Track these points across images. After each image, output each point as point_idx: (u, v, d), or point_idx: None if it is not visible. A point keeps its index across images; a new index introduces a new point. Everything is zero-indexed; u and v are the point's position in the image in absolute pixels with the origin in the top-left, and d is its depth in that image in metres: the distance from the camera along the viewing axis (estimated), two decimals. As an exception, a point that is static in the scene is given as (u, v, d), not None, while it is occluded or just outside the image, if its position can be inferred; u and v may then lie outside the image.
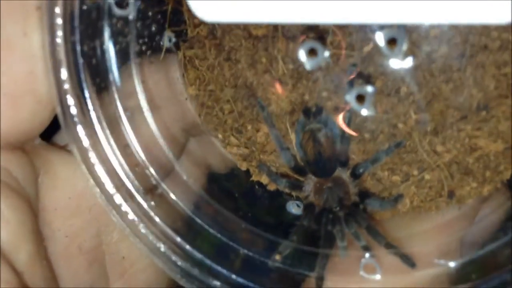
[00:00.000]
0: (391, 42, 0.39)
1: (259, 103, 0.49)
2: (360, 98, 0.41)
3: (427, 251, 0.45)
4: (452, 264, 0.43)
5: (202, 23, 0.50)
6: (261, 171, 0.52)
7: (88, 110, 0.41)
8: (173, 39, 0.51)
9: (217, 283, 0.42)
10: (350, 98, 0.41)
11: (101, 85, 0.43)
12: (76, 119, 0.41)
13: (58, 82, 0.40)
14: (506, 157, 0.46)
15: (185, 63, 0.52)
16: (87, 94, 0.41)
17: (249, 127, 0.52)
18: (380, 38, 0.40)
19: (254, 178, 0.53)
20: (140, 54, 0.48)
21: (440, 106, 0.45)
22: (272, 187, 0.53)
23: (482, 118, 0.45)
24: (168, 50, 0.51)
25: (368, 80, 0.44)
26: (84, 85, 0.41)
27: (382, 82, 0.45)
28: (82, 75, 0.41)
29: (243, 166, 0.53)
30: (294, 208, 0.50)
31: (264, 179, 0.53)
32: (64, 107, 0.41)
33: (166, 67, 0.52)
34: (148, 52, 0.48)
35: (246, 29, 0.49)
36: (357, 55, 0.46)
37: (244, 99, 0.50)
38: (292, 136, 0.50)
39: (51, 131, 0.50)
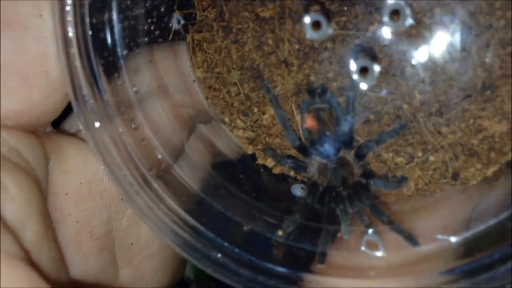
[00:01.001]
0: (395, 15, 0.40)
1: (266, 84, 0.50)
2: (364, 71, 0.41)
3: (430, 227, 0.45)
4: (454, 239, 0.43)
5: (210, 5, 0.51)
6: (266, 154, 0.52)
7: (98, 87, 0.42)
8: (182, 22, 0.51)
9: (223, 257, 0.42)
10: (354, 70, 0.41)
11: (109, 60, 0.44)
12: (87, 97, 0.41)
13: (69, 59, 0.40)
14: (511, 138, 0.45)
15: (193, 46, 0.53)
16: (96, 71, 0.42)
17: (256, 110, 0.52)
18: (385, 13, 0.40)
19: (260, 161, 0.53)
20: (149, 33, 0.48)
21: (444, 85, 0.45)
22: (277, 170, 0.53)
23: (486, 98, 0.45)
24: (177, 33, 0.52)
25: (373, 59, 0.44)
26: (94, 61, 0.41)
27: (387, 62, 0.46)
28: (91, 50, 0.41)
29: (249, 150, 0.53)
30: (299, 191, 0.50)
31: (270, 163, 0.53)
32: (75, 83, 0.41)
33: (175, 49, 0.52)
34: (157, 32, 0.49)
35: (253, 11, 0.49)
36: (362, 35, 0.46)
37: (250, 81, 0.51)
38: (298, 117, 0.50)
39: (60, 120, 0.51)
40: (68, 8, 0.39)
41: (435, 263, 0.44)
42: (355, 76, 0.42)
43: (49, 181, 0.47)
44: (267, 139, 0.53)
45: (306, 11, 0.44)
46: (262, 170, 0.53)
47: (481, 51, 0.44)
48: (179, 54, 0.53)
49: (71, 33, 0.40)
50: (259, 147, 0.53)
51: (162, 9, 0.49)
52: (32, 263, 0.41)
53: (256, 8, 0.49)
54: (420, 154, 0.48)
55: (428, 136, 0.47)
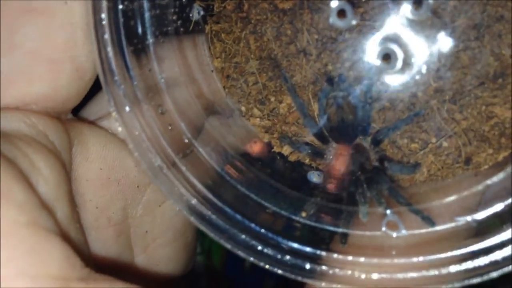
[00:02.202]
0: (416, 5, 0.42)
1: (283, 74, 0.51)
2: (387, 58, 0.43)
3: (442, 209, 0.47)
4: (470, 219, 0.45)
5: (229, -3, 0.53)
6: (283, 142, 0.54)
7: (129, 73, 0.43)
8: (202, 12, 0.53)
9: (246, 237, 0.44)
10: (376, 58, 0.43)
11: (139, 47, 0.45)
12: (118, 82, 0.43)
13: (101, 44, 0.41)
14: (521, 124, 0.48)
15: (211, 37, 0.54)
16: (127, 58, 0.43)
17: (272, 99, 0.54)
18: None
19: (276, 149, 0.55)
20: (172, 23, 0.50)
21: (458, 73, 0.47)
22: (293, 157, 0.55)
23: (498, 85, 0.47)
24: (196, 23, 0.53)
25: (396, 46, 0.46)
26: (125, 48, 0.43)
27: (404, 51, 0.48)
28: (122, 36, 0.43)
29: (265, 138, 0.55)
30: (315, 177, 0.52)
31: (286, 150, 0.55)
32: (107, 68, 0.42)
33: (195, 39, 0.54)
34: (179, 22, 0.51)
35: (272, 2, 0.51)
36: (379, 25, 0.48)
37: (269, 71, 0.53)
38: (315, 106, 0.52)
39: (78, 108, 0.52)
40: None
41: (448, 243, 0.46)
42: (378, 63, 0.44)
43: (72, 167, 0.48)
44: (283, 127, 0.54)
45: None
46: (278, 157, 0.55)
47: (493, 41, 0.47)
48: (198, 45, 0.54)
49: (104, 20, 0.41)
50: (275, 135, 0.55)
51: (184, 0, 0.51)
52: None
53: (275, 0, 0.51)
54: (434, 140, 0.50)
55: (442, 122, 0.49)
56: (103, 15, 0.41)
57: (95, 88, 0.49)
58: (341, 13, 0.44)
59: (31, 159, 0.41)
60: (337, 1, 0.44)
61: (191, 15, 0.52)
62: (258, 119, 0.54)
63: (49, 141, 0.44)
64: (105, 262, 0.52)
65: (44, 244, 0.37)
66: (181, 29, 0.51)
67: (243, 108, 0.55)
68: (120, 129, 0.45)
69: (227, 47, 0.54)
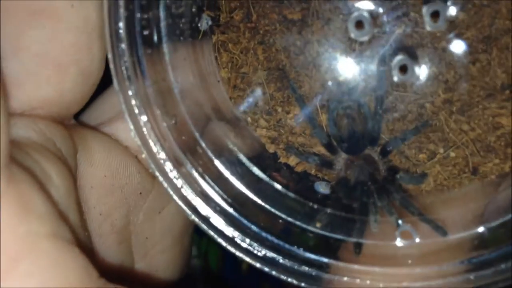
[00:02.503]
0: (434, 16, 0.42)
1: (291, 84, 0.51)
2: (402, 69, 0.44)
3: (449, 219, 0.48)
4: (482, 229, 0.46)
5: (237, 8, 0.53)
6: (289, 153, 0.54)
7: (144, 77, 0.43)
8: (210, 22, 0.53)
9: (251, 241, 0.44)
10: (393, 68, 0.44)
11: (153, 55, 0.45)
12: (131, 86, 0.42)
13: (114, 38, 0.41)
14: (527, 135, 0.49)
15: (218, 47, 0.54)
16: (143, 63, 0.43)
17: (279, 109, 0.54)
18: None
19: (282, 160, 0.55)
20: (183, 32, 0.50)
21: (467, 85, 0.48)
22: (299, 168, 0.55)
23: (506, 96, 0.48)
24: (205, 33, 0.53)
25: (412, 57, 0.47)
26: (141, 54, 0.42)
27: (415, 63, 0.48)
28: (139, 44, 0.42)
29: (271, 149, 0.55)
30: (322, 188, 0.52)
31: (292, 161, 0.55)
32: (120, 72, 0.42)
33: (203, 49, 0.54)
34: (189, 32, 0.50)
35: (281, 13, 0.51)
36: (388, 37, 0.49)
37: (277, 81, 0.53)
38: (323, 117, 0.52)
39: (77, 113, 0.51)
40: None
41: (455, 253, 0.47)
42: (392, 74, 0.45)
43: (77, 174, 0.47)
44: (289, 138, 0.54)
45: (349, 11, 0.46)
46: (284, 168, 0.55)
47: (501, 53, 0.48)
48: (206, 54, 0.54)
49: (121, 29, 0.41)
50: (281, 146, 0.55)
51: (194, 9, 0.50)
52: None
53: (284, 10, 0.51)
54: (441, 150, 0.50)
55: (450, 133, 0.50)
56: (121, 24, 0.41)
57: (94, 94, 0.49)
58: (359, 24, 0.44)
59: (43, 167, 0.40)
60: (356, 12, 0.44)
61: (199, 25, 0.52)
62: (264, 129, 0.54)
63: (57, 148, 0.44)
64: (108, 269, 0.51)
65: (65, 256, 0.36)
66: (190, 39, 0.51)
67: (249, 119, 0.55)
68: (124, 135, 0.45)
69: (234, 57, 0.54)
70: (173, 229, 0.57)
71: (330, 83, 0.51)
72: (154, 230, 0.56)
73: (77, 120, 0.53)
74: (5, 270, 0.34)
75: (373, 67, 0.49)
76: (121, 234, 0.52)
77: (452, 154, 0.50)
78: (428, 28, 0.45)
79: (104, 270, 0.49)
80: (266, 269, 0.43)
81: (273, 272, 0.43)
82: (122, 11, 0.41)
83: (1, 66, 0.41)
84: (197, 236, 0.58)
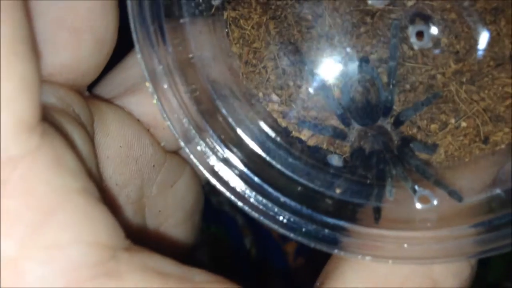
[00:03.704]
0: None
1: (303, 59, 0.52)
2: (419, 35, 0.45)
3: (469, 185, 0.49)
4: (499, 191, 0.47)
5: (248, -17, 0.54)
6: (302, 127, 0.55)
7: (166, 45, 0.43)
8: (221, -2, 0.53)
9: (272, 206, 0.44)
10: (411, 34, 0.45)
11: (174, 25, 0.45)
12: (154, 54, 0.43)
13: (137, 6, 0.41)
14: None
15: (229, 23, 0.55)
16: (165, 31, 0.43)
17: (291, 84, 0.54)
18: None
19: (294, 134, 0.56)
20: (197, 6, 0.50)
21: (477, 56, 0.50)
22: (312, 142, 0.56)
23: (515, 66, 0.50)
24: (217, 8, 0.53)
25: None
26: (161, 17, 0.43)
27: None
28: (160, 9, 0.43)
29: (283, 123, 0.55)
30: (335, 161, 0.53)
31: (304, 135, 0.56)
32: (142, 39, 0.42)
33: (215, 24, 0.54)
34: (203, 6, 0.51)
35: (293, -13, 0.52)
36: (399, 9, 0.50)
37: (289, 56, 0.53)
38: (335, 90, 0.53)
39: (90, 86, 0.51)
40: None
41: (465, 217, 0.48)
42: (413, 40, 0.46)
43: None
44: (301, 112, 0.55)
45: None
46: (297, 142, 0.55)
47: (509, 24, 0.49)
48: (217, 30, 0.55)
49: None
50: (293, 120, 0.56)
51: (206, -16, 0.51)
52: None
53: (296, -14, 0.52)
54: (453, 120, 0.51)
55: (460, 103, 0.51)
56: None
57: (105, 68, 0.50)
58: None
59: (67, 130, 0.40)
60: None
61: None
62: (276, 104, 0.55)
63: (76, 114, 0.44)
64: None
65: (96, 212, 0.36)
66: (204, 13, 0.51)
67: (260, 94, 0.55)
68: (136, 108, 0.45)
69: (246, 33, 0.54)
70: (184, 204, 0.58)
71: (342, 55, 0.52)
72: (167, 203, 0.56)
73: (90, 93, 0.53)
74: (40, 222, 0.34)
75: (385, 38, 0.50)
76: (136, 206, 0.53)
77: (463, 124, 0.51)
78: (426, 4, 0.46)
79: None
80: (290, 234, 0.44)
81: (298, 238, 0.43)
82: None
83: None
84: (205, 225, 0.58)
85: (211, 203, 0.64)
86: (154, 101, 0.43)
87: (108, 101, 0.52)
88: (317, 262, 0.50)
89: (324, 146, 0.56)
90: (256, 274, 0.80)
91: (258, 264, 0.79)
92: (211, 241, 0.79)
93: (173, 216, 0.57)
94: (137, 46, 0.42)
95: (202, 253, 0.76)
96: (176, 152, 0.57)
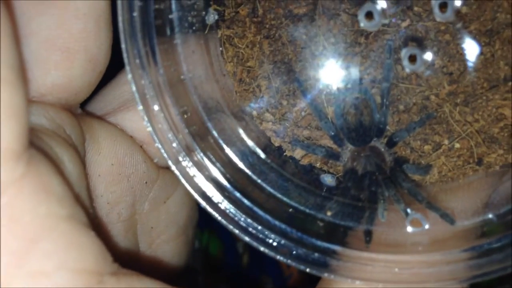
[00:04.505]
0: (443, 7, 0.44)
1: (297, 78, 0.52)
2: (412, 59, 0.45)
3: (461, 207, 0.48)
4: (491, 215, 0.47)
5: (243, 3, 0.54)
6: (295, 146, 0.55)
7: (157, 65, 0.43)
8: (216, 17, 0.53)
9: (262, 228, 0.44)
10: (404, 57, 0.44)
11: (165, 46, 0.45)
12: (144, 65, 0.43)
13: (128, 27, 0.41)
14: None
15: (223, 41, 0.55)
16: (157, 53, 0.43)
17: (285, 103, 0.54)
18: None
19: (288, 153, 0.55)
20: (192, 25, 0.50)
21: (471, 77, 0.49)
22: (305, 161, 0.55)
23: (509, 88, 0.49)
24: (211, 27, 0.53)
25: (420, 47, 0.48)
26: (152, 38, 0.43)
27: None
28: (153, 35, 0.43)
29: (277, 142, 0.55)
30: (328, 180, 0.52)
31: (297, 154, 0.55)
32: (132, 56, 0.42)
33: (208, 43, 0.54)
34: (197, 25, 0.51)
35: (287, 8, 0.52)
36: (393, 31, 0.50)
37: (283, 75, 0.53)
38: (329, 110, 0.53)
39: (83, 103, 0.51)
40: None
41: (457, 241, 0.48)
42: (405, 63, 0.45)
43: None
44: (295, 131, 0.55)
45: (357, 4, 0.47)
46: (290, 161, 0.55)
47: (504, 46, 0.49)
48: (212, 48, 0.55)
49: (136, 19, 0.41)
50: (286, 139, 0.55)
51: (201, 4, 0.51)
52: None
53: (290, 5, 0.52)
54: (446, 142, 0.51)
55: (454, 125, 0.51)
56: (135, 14, 0.41)
57: (98, 85, 0.50)
58: (368, 15, 0.45)
59: (56, 152, 0.40)
60: (368, 2, 0.45)
61: (206, 18, 0.52)
62: (270, 123, 0.55)
63: (67, 135, 0.44)
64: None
65: (82, 238, 0.36)
66: (198, 32, 0.51)
67: (254, 113, 0.55)
68: (129, 125, 0.45)
69: (240, 52, 0.54)
70: (177, 219, 0.58)
71: (336, 76, 0.51)
72: (159, 220, 0.56)
73: (83, 110, 0.53)
74: (25, 249, 0.34)
75: (378, 59, 0.50)
76: (127, 223, 0.53)
77: (457, 145, 0.51)
78: (437, 19, 0.46)
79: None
80: (280, 257, 0.43)
81: (288, 261, 0.43)
82: (136, 1, 0.41)
83: None
84: (199, 230, 0.58)
85: (203, 208, 0.63)
86: (144, 123, 0.43)
87: (101, 118, 0.52)
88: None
89: (318, 165, 0.56)
90: (249, 280, 0.79)
91: (251, 270, 0.79)
92: (204, 247, 0.79)
93: (166, 232, 0.57)
94: (127, 68, 0.42)
95: (196, 260, 0.76)
96: (169, 168, 0.57)
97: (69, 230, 0.36)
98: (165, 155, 0.43)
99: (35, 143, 0.38)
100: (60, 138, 0.43)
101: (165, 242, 0.57)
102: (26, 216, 0.34)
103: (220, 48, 0.55)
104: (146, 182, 0.53)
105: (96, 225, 0.45)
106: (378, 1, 0.48)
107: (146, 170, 0.52)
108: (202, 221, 0.64)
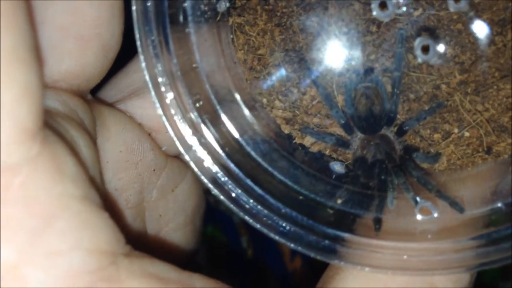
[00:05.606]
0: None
1: (308, 66, 0.52)
2: (425, 49, 0.45)
3: (470, 195, 0.49)
4: (499, 204, 0.47)
5: (254, -10, 0.54)
6: (305, 133, 0.55)
7: (169, 53, 0.43)
8: (227, 4, 0.53)
9: (272, 215, 0.45)
10: (417, 47, 0.45)
11: (179, 34, 0.45)
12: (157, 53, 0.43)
13: (142, 16, 0.42)
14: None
15: (234, 29, 0.55)
16: (170, 41, 0.43)
17: (295, 90, 0.55)
18: None
19: (297, 140, 0.56)
20: (204, 14, 0.50)
21: (483, 67, 0.49)
22: (315, 148, 0.56)
23: (520, 77, 0.49)
24: (222, 15, 0.54)
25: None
26: (166, 27, 0.43)
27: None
28: (165, 18, 0.43)
29: (286, 130, 0.56)
30: (337, 168, 0.53)
31: (307, 141, 0.56)
32: (145, 44, 0.43)
33: (220, 31, 0.54)
34: (209, 13, 0.51)
35: (299, -4, 0.52)
36: (405, 20, 0.50)
37: (294, 63, 0.53)
38: (339, 98, 0.53)
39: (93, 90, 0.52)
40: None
41: (466, 230, 0.48)
42: (418, 53, 0.46)
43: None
44: (305, 118, 0.55)
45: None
46: (300, 148, 0.56)
47: (515, 35, 0.49)
48: (223, 37, 0.55)
49: (150, 8, 0.42)
50: (296, 127, 0.56)
51: (213, -10, 0.51)
52: None
53: (301, -6, 0.52)
54: (456, 130, 0.51)
55: (464, 113, 0.51)
56: (149, 3, 0.42)
57: (108, 73, 0.50)
58: (382, 5, 0.45)
59: (71, 135, 0.41)
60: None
61: (218, 6, 0.52)
62: (280, 110, 0.55)
63: (80, 119, 0.44)
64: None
65: (96, 219, 0.37)
66: (210, 20, 0.52)
67: (264, 100, 0.55)
68: (138, 113, 0.45)
69: (251, 39, 0.54)
70: (185, 208, 0.58)
71: (347, 64, 0.52)
72: (167, 208, 0.57)
73: (93, 97, 0.53)
74: (41, 229, 0.34)
75: (390, 48, 0.50)
76: (135, 210, 0.53)
77: (467, 134, 0.51)
78: (451, 8, 0.46)
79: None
80: (290, 244, 0.44)
81: (298, 248, 0.43)
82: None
83: None
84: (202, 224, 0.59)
85: (208, 202, 0.64)
86: (157, 111, 0.43)
87: (110, 105, 0.53)
88: (314, 263, 0.50)
89: (327, 153, 0.56)
90: (253, 275, 0.80)
91: (255, 264, 0.80)
92: (208, 241, 0.80)
93: (174, 220, 0.57)
94: (141, 57, 0.42)
95: (200, 254, 0.77)
96: (177, 157, 0.57)
97: (83, 210, 0.36)
98: (177, 142, 0.43)
99: (51, 125, 0.38)
100: (75, 121, 0.43)
101: (173, 230, 0.57)
102: (41, 195, 0.34)
103: (231, 36, 0.55)
104: (154, 170, 0.53)
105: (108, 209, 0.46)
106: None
107: (154, 157, 0.53)
108: (206, 216, 0.64)
